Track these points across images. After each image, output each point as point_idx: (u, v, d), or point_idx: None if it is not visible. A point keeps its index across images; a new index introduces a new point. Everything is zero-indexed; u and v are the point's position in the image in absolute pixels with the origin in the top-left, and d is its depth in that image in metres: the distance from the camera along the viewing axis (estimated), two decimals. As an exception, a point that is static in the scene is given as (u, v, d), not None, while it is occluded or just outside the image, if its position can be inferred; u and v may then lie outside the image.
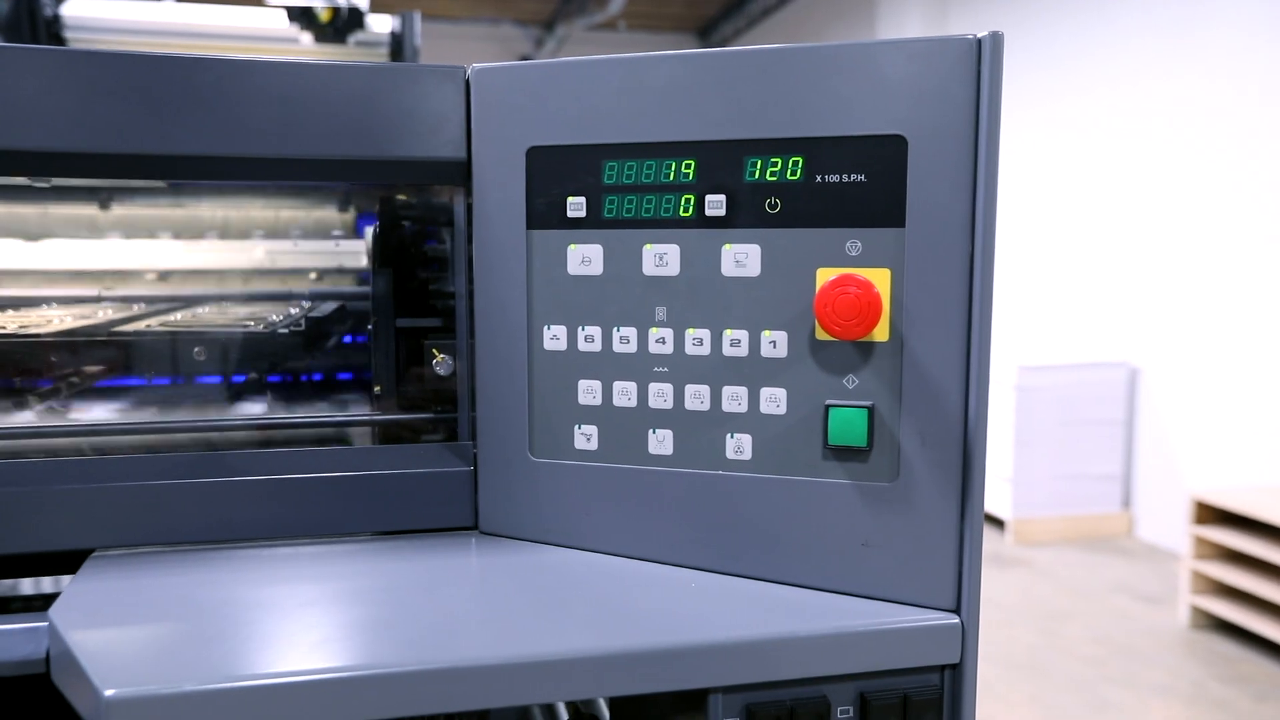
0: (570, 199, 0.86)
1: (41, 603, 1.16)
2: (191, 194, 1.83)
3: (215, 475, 0.88)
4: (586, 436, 0.88)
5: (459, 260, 0.95)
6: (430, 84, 0.87)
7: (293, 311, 1.50)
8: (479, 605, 0.80)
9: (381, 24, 3.91)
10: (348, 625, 0.76)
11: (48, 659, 0.76)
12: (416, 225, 1.11)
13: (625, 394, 0.86)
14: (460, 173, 0.90)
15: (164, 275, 1.66)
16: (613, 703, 1.04)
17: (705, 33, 11.27)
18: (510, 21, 10.91)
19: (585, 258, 0.86)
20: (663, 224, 0.84)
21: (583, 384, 0.87)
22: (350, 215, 1.91)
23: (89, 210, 1.82)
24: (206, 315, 1.40)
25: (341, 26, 3.63)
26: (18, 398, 1.14)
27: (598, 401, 0.87)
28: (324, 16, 3.61)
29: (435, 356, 1.02)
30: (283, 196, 1.86)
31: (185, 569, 0.84)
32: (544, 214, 0.87)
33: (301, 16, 3.66)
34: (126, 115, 0.83)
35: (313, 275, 1.64)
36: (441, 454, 0.94)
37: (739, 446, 0.83)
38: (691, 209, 0.83)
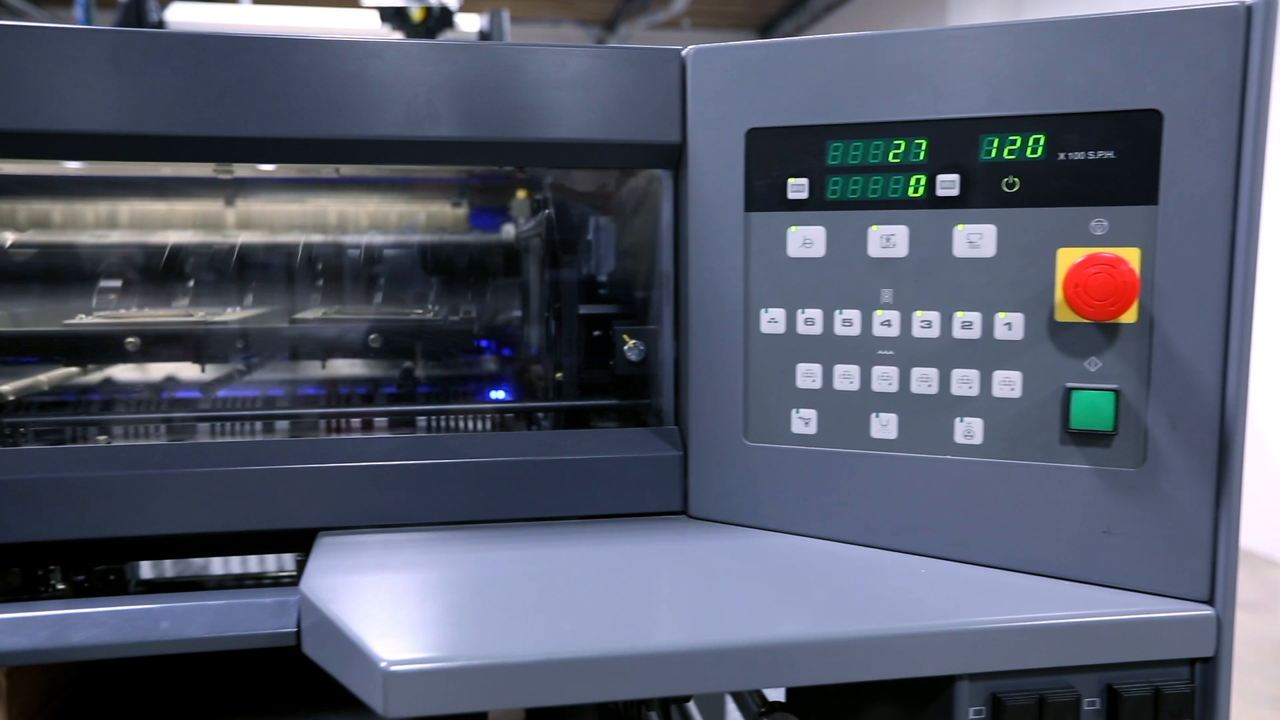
0: (791, 180, 0.85)
1: (241, 582, 1.18)
2: (312, 189, 1.86)
3: (434, 457, 0.89)
4: (805, 420, 0.87)
5: (663, 245, 0.95)
6: (647, 67, 0.87)
7: (434, 302, 1.51)
8: (705, 589, 0.79)
9: (470, 23, 3.96)
10: (591, 606, 0.76)
11: (298, 631, 0.77)
12: (598, 211, 1.11)
13: (847, 377, 0.85)
14: (674, 156, 0.90)
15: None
16: (793, 693, 1.03)
17: (767, 30, 11.21)
18: (571, 21, 10.96)
19: (806, 240, 0.85)
20: (890, 205, 0.82)
21: (801, 367, 0.87)
22: (463, 211, 1.93)
23: (214, 206, 1.86)
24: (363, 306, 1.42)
25: (433, 26, 3.68)
26: (207, 384, 1.17)
27: (817, 385, 0.86)
28: (417, 16, 3.66)
29: (626, 342, 1.02)
30: (396, 192, 1.88)
31: (416, 549, 0.85)
32: (763, 196, 0.86)
33: (394, 17, 3.71)
34: (356, 101, 0.84)
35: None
36: (650, 439, 0.94)
37: (969, 431, 0.82)
38: (922, 189, 0.81)
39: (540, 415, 1.15)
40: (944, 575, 0.81)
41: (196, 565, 1.18)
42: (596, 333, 1.11)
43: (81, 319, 1.21)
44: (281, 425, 1.09)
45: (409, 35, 3.67)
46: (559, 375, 1.09)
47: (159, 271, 1.30)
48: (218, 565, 1.21)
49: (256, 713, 1.12)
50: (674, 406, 0.95)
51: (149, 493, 0.84)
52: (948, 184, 0.80)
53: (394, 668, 0.65)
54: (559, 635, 0.71)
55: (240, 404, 1.20)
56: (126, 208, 1.84)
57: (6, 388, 1.14)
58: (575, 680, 0.69)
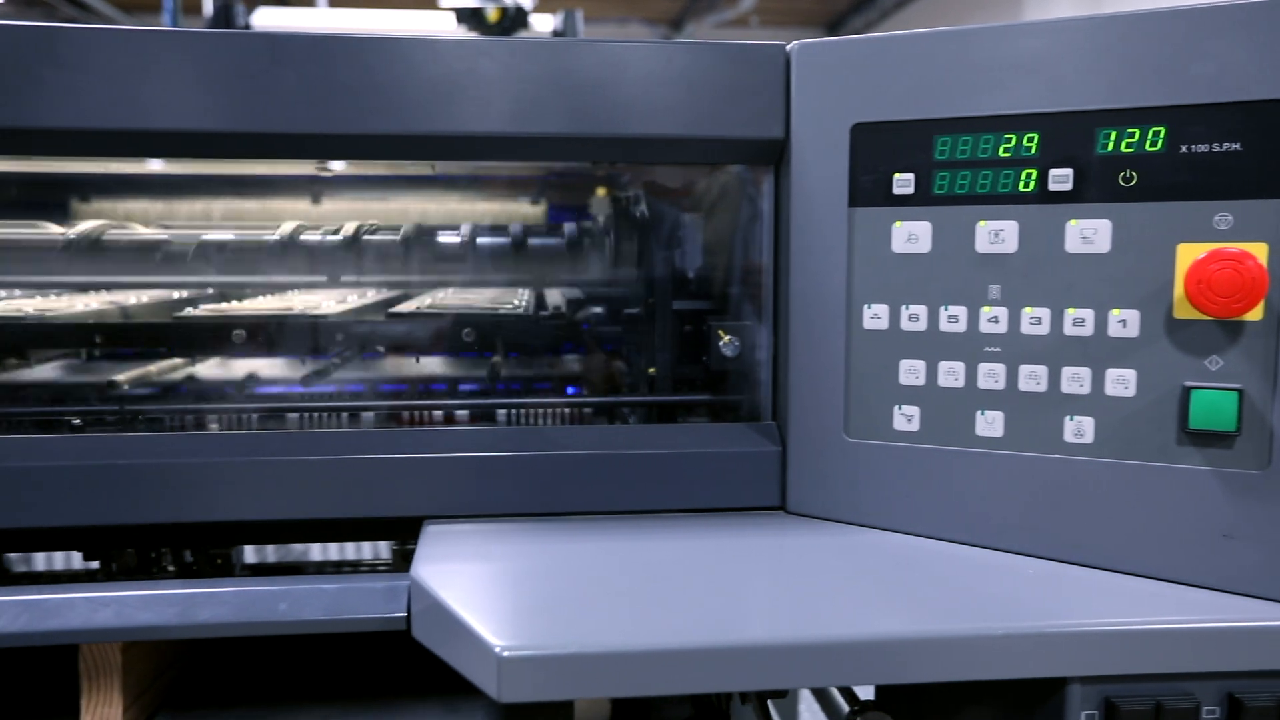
0: (897, 175, 0.84)
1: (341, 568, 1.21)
2: (393, 187, 1.90)
3: (538, 450, 0.90)
4: (907, 417, 0.86)
5: (762, 241, 0.95)
6: (751, 62, 0.88)
7: (522, 296, 1.53)
8: (808, 584, 0.79)
9: (544, 23, 4.01)
10: (696, 599, 0.76)
11: (408, 616, 0.79)
12: (683, 207, 1.12)
13: (952, 374, 0.84)
14: (775, 152, 0.90)
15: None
16: (885, 692, 1.03)
17: (834, 27, 11.10)
18: (638, 20, 11.00)
19: (912, 235, 0.85)
20: (999, 200, 0.81)
21: (905, 364, 0.86)
22: (542, 208, 1.95)
23: (302, 204, 1.91)
24: (450, 300, 1.45)
25: (508, 26, 3.74)
26: (306, 374, 1.21)
27: (921, 382, 0.86)
28: (493, 17, 3.72)
29: (722, 337, 1.03)
30: (475, 190, 1.91)
31: (521, 538, 0.86)
32: (868, 192, 0.86)
33: (471, 18, 3.78)
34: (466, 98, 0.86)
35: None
36: (748, 434, 0.94)
37: (1079, 429, 0.80)
38: (1033, 184, 0.80)
39: (627, 410, 1.16)
40: (1052, 576, 0.80)
41: (296, 551, 1.22)
42: (688, 328, 1.12)
43: (189, 312, 1.26)
44: (364, 416, 1.11)
45: (483, 35, 3.73)
46: (651, 371, 1.10)
47: (262, 267, 1.34)
48: (316, 552, 1.25)
49: (348, 695, 1.15)
50: (771, 402, 0.95)
51: (265, 479, 0.87)
52: (1060, 178, 0.79)
53: (509, 653, 0.67)
54: (668, 626, 0.72)
55: (332, 396, 1.23)
56: (219, 206, 1.90)
57: (121, 377, 1.19)
58: (684, 671, 0.69)
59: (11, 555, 1.16)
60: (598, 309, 1.28)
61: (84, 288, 1.57)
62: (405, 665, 1.20)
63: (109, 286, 1.49)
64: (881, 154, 0.85)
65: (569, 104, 0.88)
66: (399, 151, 0.92)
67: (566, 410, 1.15)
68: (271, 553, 1.24)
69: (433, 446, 0.89)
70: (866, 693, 1.08)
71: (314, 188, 1.90)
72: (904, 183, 0.84)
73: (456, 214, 1.98)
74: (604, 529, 0.89)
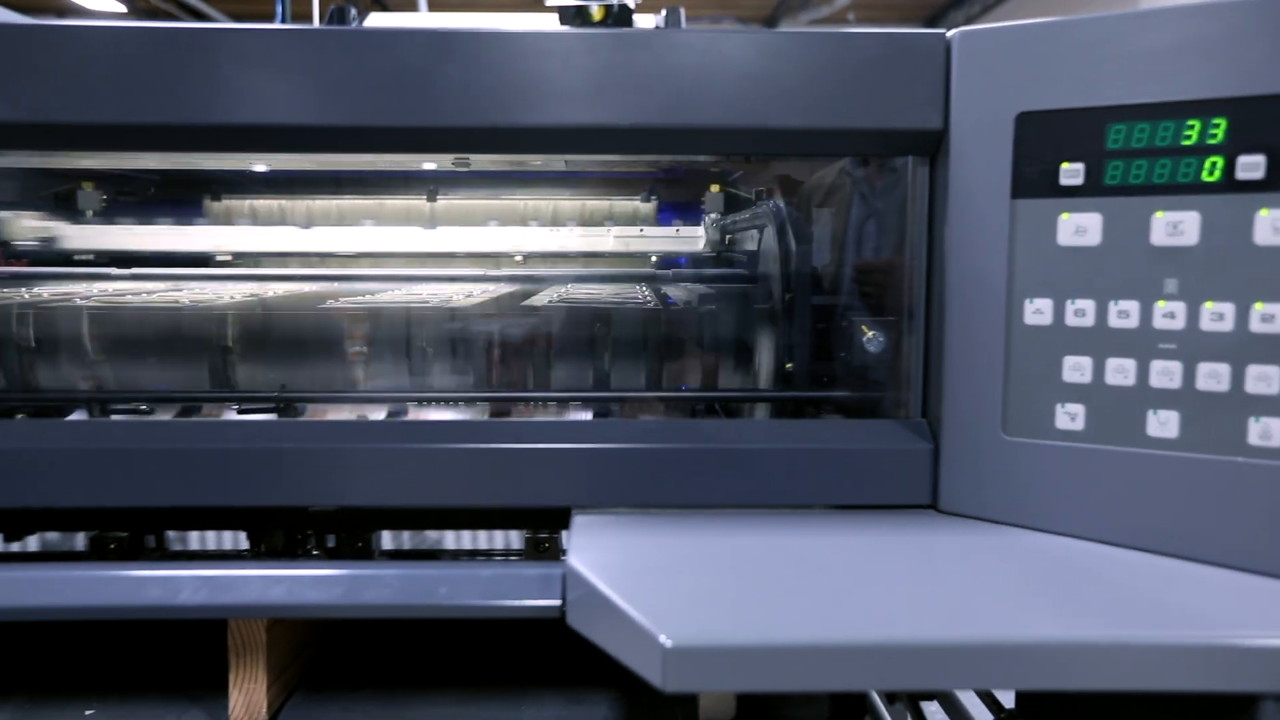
0: (1065, 166, 0.82)
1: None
2: (507, 185, 1.92)
3: (687, 442, 0.90)
4: (1071, 416, 0.83)
5: (916, 235, 0.93)
6: (910, 51, 0.86)
7: (643, 291, 1.54)
8: (969, 584, 0.77)
9: (646, 22, 4.02)
10: (853, 595, 0.75)
11: (563, 604, 0.80)
12: (833, 202, 1.10)
13: (1121, 371, 0.81)
14: (933, 143, 0.88)
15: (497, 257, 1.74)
16: (1024, 699, 0.99)
17: (933, 21, 10.85)
18: (731, 19, 10.94)
19: (1080, 227, 0.81)
20: (1179, 190, 0.78)
21: (1069, 360, 0.83)
22: (652, 206, 1.95)
23: (418, 202, 1.95)
24: (575, 294, 1.46)
25: (611, 24, 3.76)
26: (443, 363, 1.23)
27: (1086, 379, 0.82)
28: (597, 15, 3.74)
29: (865, 333, 1.01)
30: (588, 187, 1.92)
31: (671, 530, 0.86)
32: (1033, 183, 0.83)
33: (575, 17, 3.81)
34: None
35: (653, 258, 1.68)
36: (898, 431, 0.93)
37: (1266, 431, 0.76)
38: (1218, 172, 0.76)
39: (750, 406, 1.15)
40: (1234, 586, 0.76)
41: (430, 539, 1.25)
42: (825, 324, 1.10)
43: (332, 303, 1.30)
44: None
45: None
46: (788, 366, 1.09)
47: (401, 260, 1.38)
48: (449, 539, 1.28)
49: (471, 681, 1.17)
50: (921, 399, 0.93)
51: (416, 466, 0.89)
52: (1251, 166, 0.75)
53: (675, 644, 0.67)
54: (831, 622, 0.71)
55: (466, 386, 1.26)
56: (336, 204, 1.96)
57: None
58: (849, 667, 0.68)
59: (169, 534, 1.21)
60: (731, 304, 1.28)
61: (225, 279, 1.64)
62: (527, 653, 1.21)
63: (257, 279, 1.55)
64: (1048, 143, 0.82)
65: (719, 96, 0.87)
66: (546, 146, 0.93)
67: (699, 405, 1.15)
68: (407, 539, 1.27)
69: (582, 437, 0.90)
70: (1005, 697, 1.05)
71: (429, 185, 1.94)
72: (1072, 173, 0.81)
73: (567, 211, 2.00)
74: (753, 522, 0.88)
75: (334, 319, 1.27)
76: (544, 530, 1.11)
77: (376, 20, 3.83)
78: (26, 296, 1.40)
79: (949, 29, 0.87)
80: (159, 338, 1.22)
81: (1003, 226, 0.84)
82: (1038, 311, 0.84)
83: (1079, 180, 0.81)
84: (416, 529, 1.17)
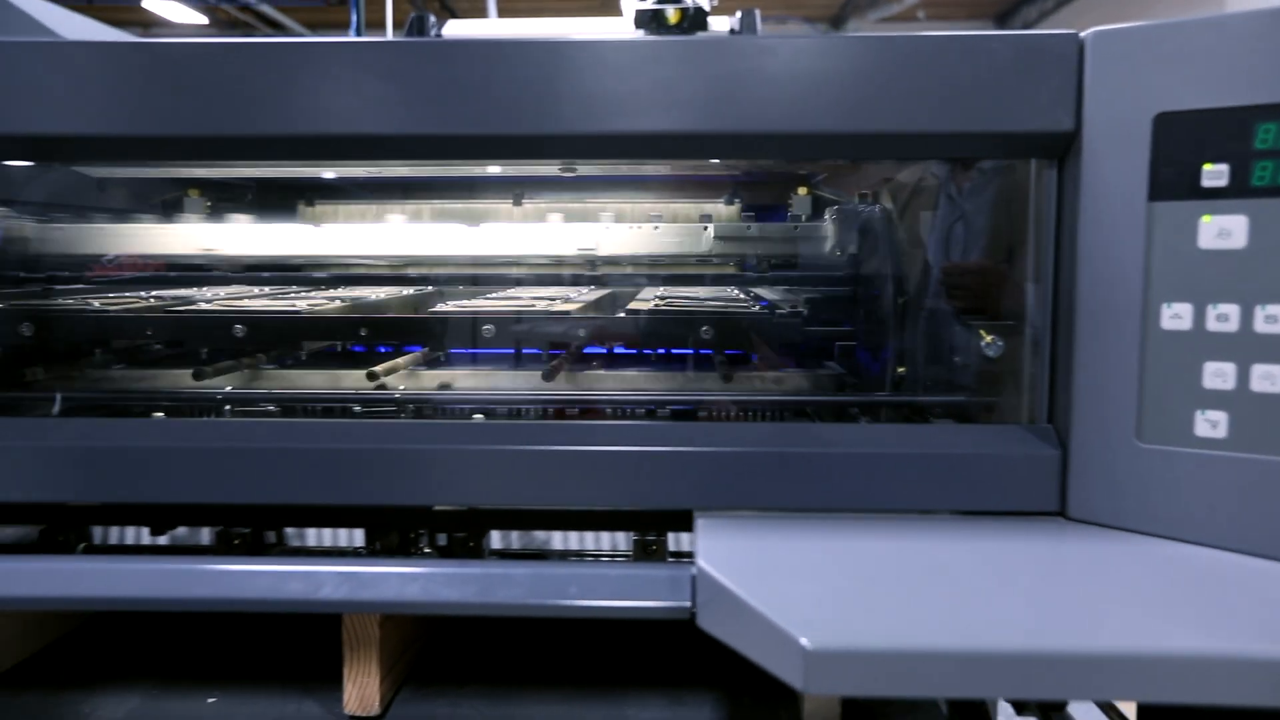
0: (1207, 167, 0.80)
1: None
2: (587, 187, 1.94)
3: (807, 446, 0.90)
4: (1212, 423, 0.81)
5: (1043, 239, 0.91)
6: (1041, 52, 0.85)
7: (737, 294, 1.54)
8: (1106, 593, 0.76)
9: (720, 24, 4.00)
10: (989, 602, 0.75)
11: (692, 605, 0.81)
12: (947, 205, 1.09)
13: (1268, 378, 0.79)
14: (1062, 145, 0.87)
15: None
16: (1146, 712, 0.97)
17: (1005, 18, 10.64)
18: (797, 19, 10.88)
19: (1223, 230, 0.80)
20: (1332, 191, 0.75)
21: (1209, 366, 0.81)
22: (735, 209, 1.95)
23: (504, 205, 1.98)
24: (673, 297, 1.47)
25: (687, 28, 3.76)
26: (546, 369, 1.25)
27: (1229, 386, 0.80)
28: (673, 18, 3.75)
29: (983, 337, 1.00)
30: (670, 190, 1.92)
31: (796, 533, 0.87)
32: (1171, 184, 0.81)
33: (651, 20, 3.82)
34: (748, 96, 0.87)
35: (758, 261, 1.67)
36: (1023, 436, 0.91)
37: None
38: (1374, 173, 0.74)
39: (855, 409, 1.15)
40: (1394, 600, 0.73)
41: (539, 540, 1.27)
42: (939, 328, 1.09)
43: (440, 307, 1.33)
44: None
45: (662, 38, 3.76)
46: (901, 370, 1.08)
47: (498, 266, 1.40)
48: (557, 540, 1.29)
49: (574, 680, 1.18)
50: (1048, 404, 0.92)
51: (545, 468, 0.91)
52: None
53: (815, 647, 0.67)
54: (968, 628, 0.70)
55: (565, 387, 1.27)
56: (426, 207, 2.00)
57: (379, 369, 1.27)
58: (988, 675, 0.68)
59: (288, 530, 1.25)
60: (839, 307, 1.27)
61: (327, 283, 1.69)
62: (627, 652, 1.23)
63: (361, 281, 1.60)
64: (1189, 144, 0.80)
65: (839, 100, 0.87)
66: (681, 150, 0.94)
67: (807, 408, 1.14)
68: (515, 540, 1.30)
69: (705, 441, 0.91)
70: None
71: (515, 189, 1.97)
72: (1215, 174, 0.79)
73: (651, 214, 2.01)
74: (877, 527, 0.88)
75: (444, 322, 1.30)
76: (651, 532, 1.12)
77: (454, 28, 3.89)
78: (149, 300, 1.46)
79: (1021, 25, 0.85)
80: (279, 341, 1.27)
81: (1138, 230, 0.83)
82: (1176, 316, 0.82)
83: (1223, 182, 0.79)
84: (527, 529, 1.19)
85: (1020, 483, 0.89)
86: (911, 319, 1.08)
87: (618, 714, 1.12)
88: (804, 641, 0.67)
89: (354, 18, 7.55)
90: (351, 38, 0.96)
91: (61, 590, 0.82)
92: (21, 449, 0.94)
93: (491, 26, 4.23)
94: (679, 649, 1.24)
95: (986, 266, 1.11)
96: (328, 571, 0.83)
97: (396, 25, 6.89)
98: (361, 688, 1.10)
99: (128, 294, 1.52)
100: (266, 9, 10.00)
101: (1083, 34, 0.85)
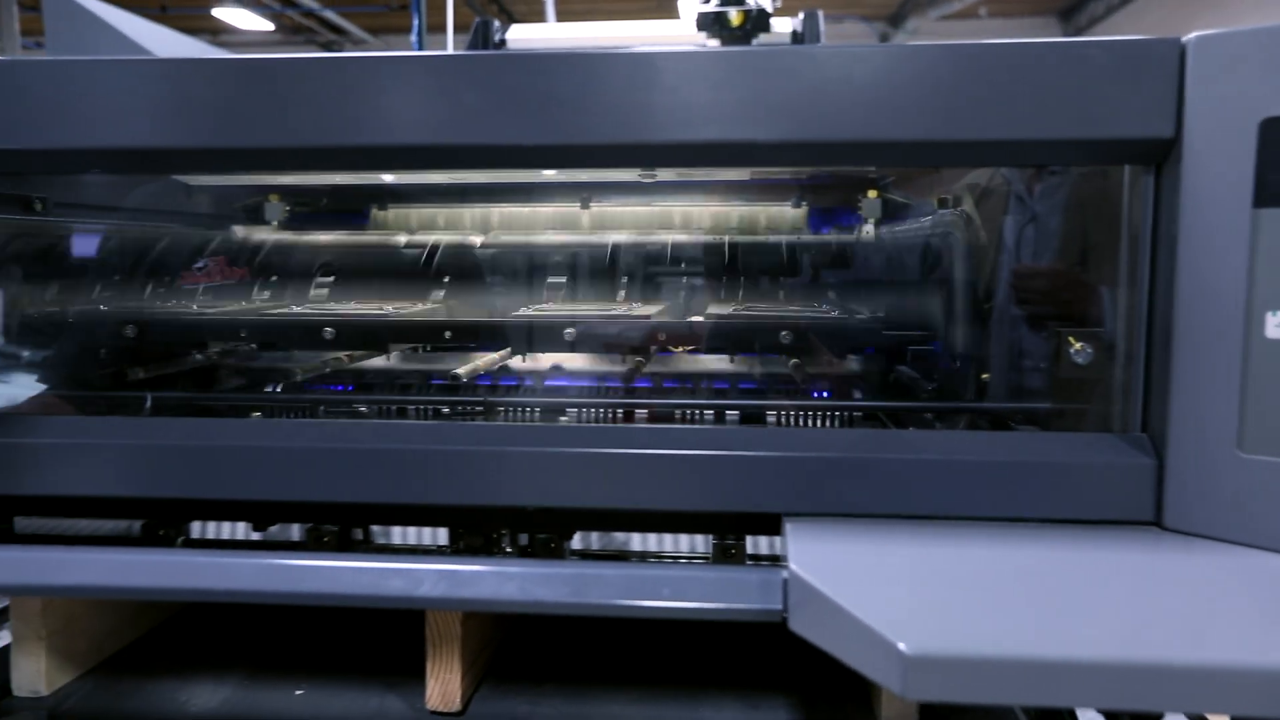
0: (1316, 173, 0.78)
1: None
2: (658, 191, 1.95)
3: (896, 453, 0.90)
4: (1318, 434, 0.80)
5: (1135, 244, 0.91)
6: (1140, 58, 0.84)
7: (812, 299, 1.54)
8: (1209, 605, 0.75)
9: (783, 25, 3.99)
10: (1090, 612, 0.75)
11: (784, 609, 0.82)
12: (1037, 212, 1.09)
13: (1378, 389, 0.77)
14: (1161, 151, 0.86)
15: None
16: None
17: (1069, 14, 10.43)
18: (855, 18, 10.78)
19: (1332, 237, 0.78)
20: None
21: (1316, 376, 0.80)
22: (802, 212, 1.94)
23: (572, 209, 2.00)
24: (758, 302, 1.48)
25: (749, 29, 3.75)
26: (628, 370, 1.27)
27: (1337, 396, 0.79)
28: (736, 20, 3.74)
29: (1072, 345, 0.99)
30: (735, 193, 1.92)
31: (887, 539, 0.87)
32: (1279, 190, 0.80)
33: (712, 23, 3.81)
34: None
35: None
36: (1116, 445, 0.91)
37: None
38: None
39: (929, 415, 1.14)
40: None
41: (618, 540, 1.28)
42: (1023, 334, 1.09)
43: (526, 310, 1.35)
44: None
45: (726, 41, 3.75)
46: (984, 377, 1.08)
47: (595, 269, 1.42)
48: (636, 542, 1.31)
49: (650, 681, 1.19)
50: (1141, 413, 0.91)
51: (637, 470, 0.92)
52: None
53: (914, 653, 0.68)
54: (1064, 637, 0.70)
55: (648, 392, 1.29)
56: (496, 212, 2.03)
57: (462, 370, 1.30)
58: (1085, 685, 0.68)
59: (374, 528, 1.29)
60: (919, 313, 1.27)
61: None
62: (701, 654, 1.24)
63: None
64: (1296, 150, 0.79)
65: (930, 108, 0.87)
66: (771, 158, 0.95)
67: (886, 413, 1.14)
68: (594, 540, 1.31)
69: (793, 446, 0.91)
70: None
71: (583, 192, 1.99)
72: (1324, 181, 0.78)
73: (717, 217, 2.02)
74: (967, 533, 0.88)
75: (526, 326, 1.32)
76: (730, 535, 1.13)
77: (518, 33, 3.93)
78: (245, 304, 1.51)
79: (1088, 20, 0.84)
80: (367, 343, 1.30)
81: (1243, 236, 0.81)
82: (1280, 325, 0.81)
83: (1331, 188, 0.78)
84: (607, 530, 1.21)
85: (1114, 492, 0.88)
86: (996, 325, 1.07)
87: (693, 715, 1.14)
88: (902, 647, 0.68)
89: (415, 22, 7.67)
90: (452, 52, 0.98)
91: (171, 582, 0.86)
92: (127, 447, 0.98)
93: (554, 31, 4.27)
94: (752, 652, 1.25)
95: (1067, 271, 1.10)
96: (427, 569, 0.85)
97: (457, 29, 6.99)
98: (444, 684, 1.13)
99: (224, 298, 1.58)
100: (330, 15, 10.21)
101: (1184, 39, 0.84)
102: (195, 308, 1.40)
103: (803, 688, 1.17)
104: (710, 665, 1.22)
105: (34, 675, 1.17)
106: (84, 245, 1.55)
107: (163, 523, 1.16)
